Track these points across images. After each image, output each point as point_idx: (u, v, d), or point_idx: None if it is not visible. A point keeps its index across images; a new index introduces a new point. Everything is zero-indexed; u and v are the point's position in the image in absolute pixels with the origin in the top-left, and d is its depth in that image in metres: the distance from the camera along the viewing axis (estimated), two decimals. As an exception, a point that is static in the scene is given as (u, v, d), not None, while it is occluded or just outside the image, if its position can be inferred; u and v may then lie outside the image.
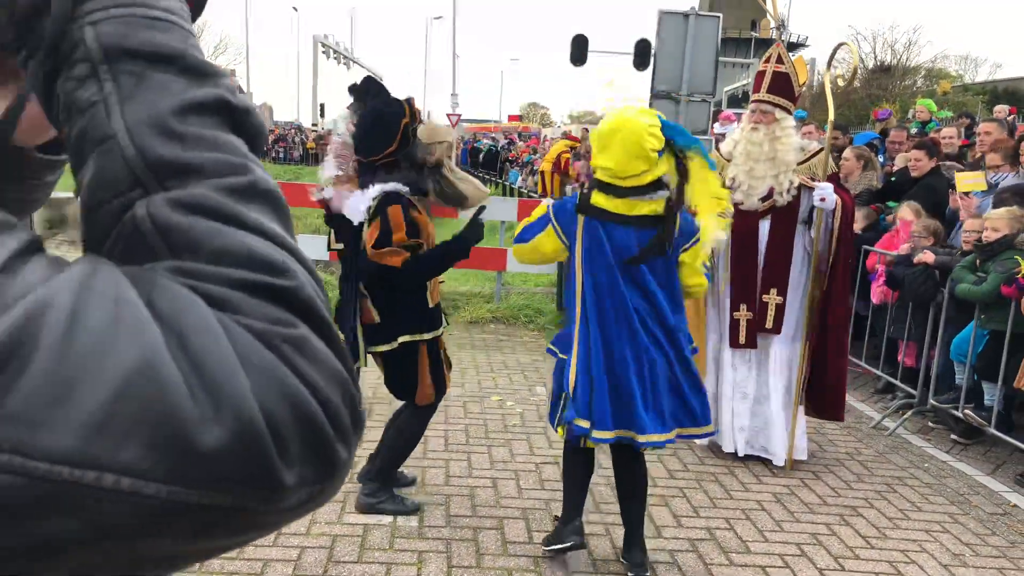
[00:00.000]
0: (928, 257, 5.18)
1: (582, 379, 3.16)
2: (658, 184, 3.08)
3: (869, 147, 7.91)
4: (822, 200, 4.17)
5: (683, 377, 3.18)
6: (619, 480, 3.42)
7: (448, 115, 31.14)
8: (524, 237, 3.31)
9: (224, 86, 0.58)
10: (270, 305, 0.51)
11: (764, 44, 36.22)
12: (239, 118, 0.58)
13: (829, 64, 4.61)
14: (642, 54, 9.01)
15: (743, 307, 4.43)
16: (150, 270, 0.50)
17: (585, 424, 3.16)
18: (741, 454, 4.56)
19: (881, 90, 29.48)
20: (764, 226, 4.35)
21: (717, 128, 13.30)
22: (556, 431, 3.31)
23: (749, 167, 4.23)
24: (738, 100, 23.38)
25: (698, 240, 3.14)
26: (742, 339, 4.47)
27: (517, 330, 7.33)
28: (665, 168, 3.08)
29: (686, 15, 7.48)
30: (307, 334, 0.51)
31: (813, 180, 4.28)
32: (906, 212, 5.83)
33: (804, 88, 4.53)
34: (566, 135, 19.44)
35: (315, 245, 8.19)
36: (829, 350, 4.44)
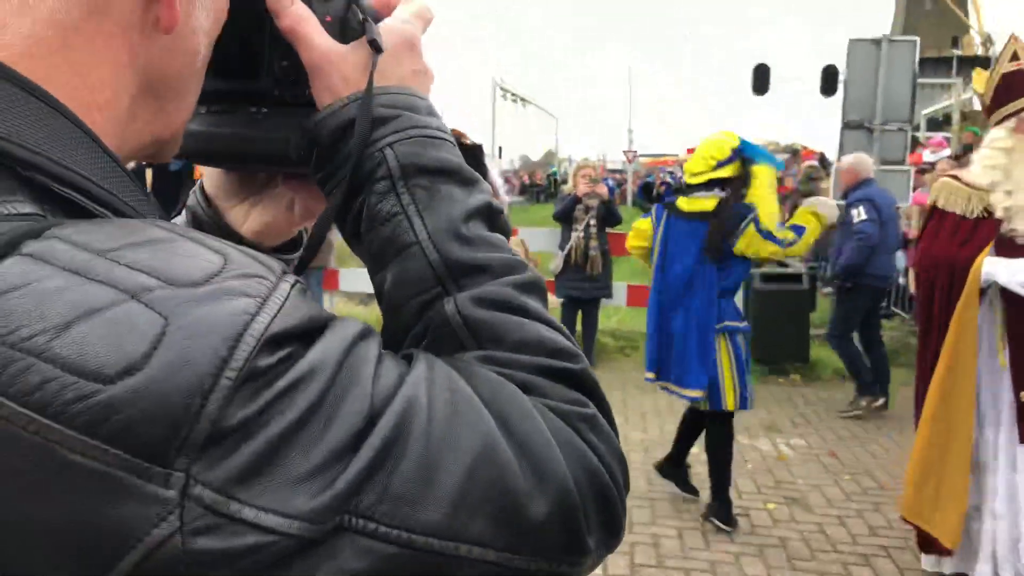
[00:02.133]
0: None
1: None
2: (714, 183, 3.92)
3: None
4: None
5: (695, 345, 3.98)
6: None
7: (624, 152, 31.21)
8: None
9: (487, 191, 0.67)
10: (566, 388, 0.57)
11: (968, 62, 33.47)
12: (497, 217, 0.66)
13: None
14: (829, 80, 8.62)
15: None
16: (463, 360, 0.57)
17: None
18: None
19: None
20: None
21: (927, 156, 12.40)
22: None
23: None
24: (938, 123, 21.73)
25: (748, 220, 3.83)
26: None
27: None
28: (729, 172, 3.89)
29: (877, 42, 7.09)
30: (596, 412, 0.57)
31: None
32: None
33: None
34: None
35: (361, 277, 8.39)
36: None
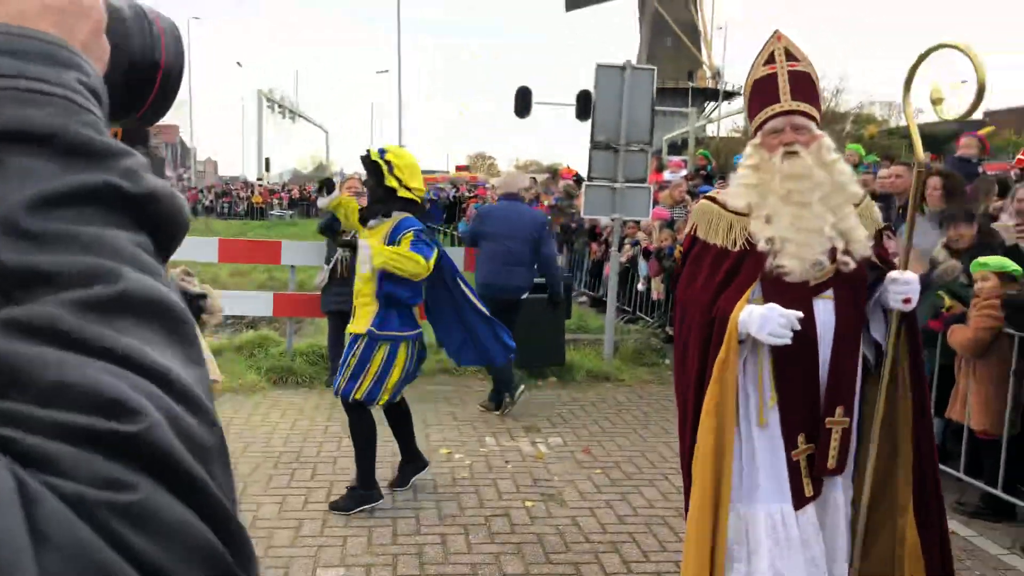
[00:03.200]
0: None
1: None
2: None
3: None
4: (906, 302, 2.67)
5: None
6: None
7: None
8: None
9: (118, 168, 0.49)
10: (103, 460, 0.40)
11: (701, 93, 37.38)
12: (140, 207, 0.50)
13: (909, 84, 2.82)
14: (583, 105, 9.24)
15: (801, 439, 2.74)
16: None
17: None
18: None
19: (813, 135, 30.57)
20: (822, 308, 2.73)
21: (667, 175, 13.63)
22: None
23: (792, 215, 2.70)
24: (677, 147, 24.06)
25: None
26: (809, 490, 2.75)
27: (466, 379, 7.28)
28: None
29: (622, 68, 7.71)
30: (149, 497, 0.40)
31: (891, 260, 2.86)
32: None
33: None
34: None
35: (259, 301, 8.13)
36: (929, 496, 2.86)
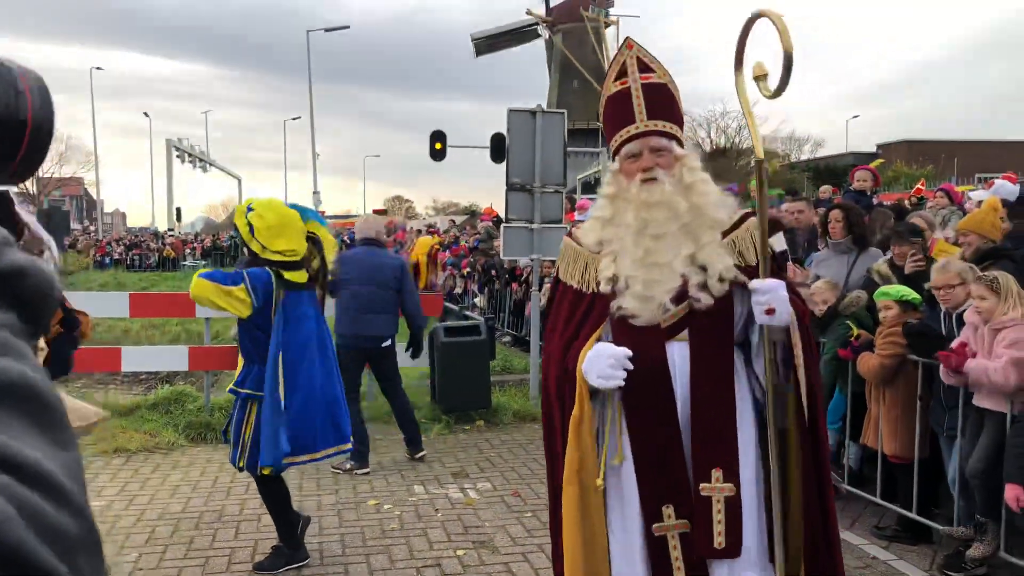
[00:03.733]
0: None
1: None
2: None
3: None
4: (769, 313, 2.30)
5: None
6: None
7: (311, 213, 30.77)
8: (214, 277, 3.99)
9: None
10: None
11: (612, 133, 38.29)
12: (2, 284, 0.48)
13: (740, 58, 2.36)
14: (498, 147, 9.38)
15: (668, 511, 2.37)
16: None
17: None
18: None
19: (721, 172, 31.88)
20: (677, 352, 2.41)
21: (577, 216, 13.91)
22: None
23: (644, 249, 2.40)
24: (591, 186, 24.59)
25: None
26: (680, 574, 2.37)
27: (392, 427, 7.17)
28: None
29: (533, 112, 7.87)
30: None
31: (746, 273, 2.42)
32: None
33: None
34: (431, 228, 20.29)
35: (174, 356, 7.85)
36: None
